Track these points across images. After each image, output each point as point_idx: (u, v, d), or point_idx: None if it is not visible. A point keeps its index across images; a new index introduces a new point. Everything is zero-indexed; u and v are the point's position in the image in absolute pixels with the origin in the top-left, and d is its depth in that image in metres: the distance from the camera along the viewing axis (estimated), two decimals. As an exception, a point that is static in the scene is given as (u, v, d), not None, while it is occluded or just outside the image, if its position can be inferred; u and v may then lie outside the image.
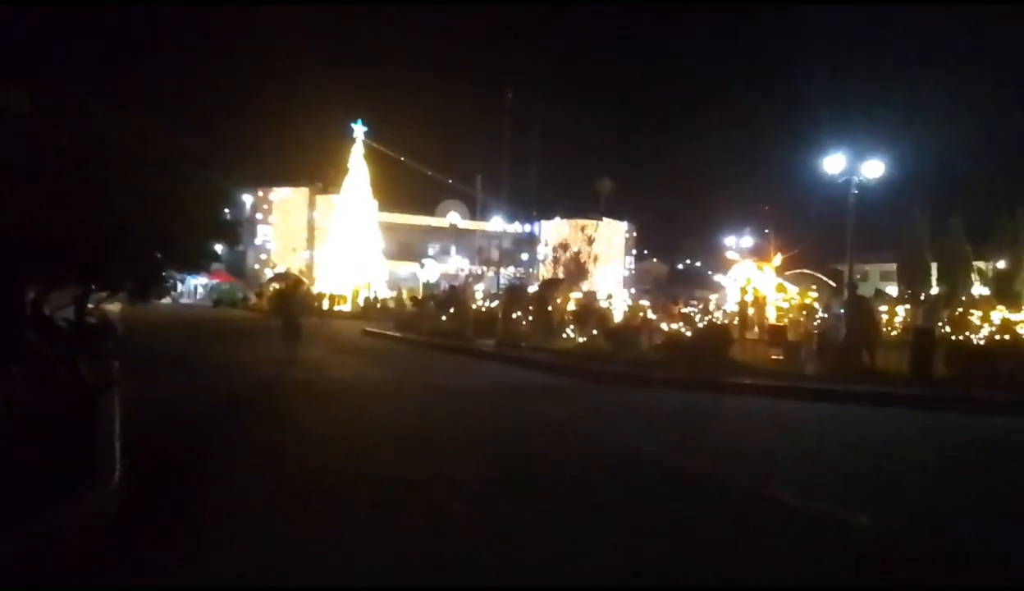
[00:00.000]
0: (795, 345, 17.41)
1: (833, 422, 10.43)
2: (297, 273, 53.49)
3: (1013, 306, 22.32)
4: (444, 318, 25.30)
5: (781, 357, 16.47)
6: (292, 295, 16.61)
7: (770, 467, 7.47)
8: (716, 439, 9.11)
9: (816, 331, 18.14)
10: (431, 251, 62.74)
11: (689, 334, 16.25)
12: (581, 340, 18.85)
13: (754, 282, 25.50)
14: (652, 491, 6.47)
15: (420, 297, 36.27)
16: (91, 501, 5.02)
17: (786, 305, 24.03)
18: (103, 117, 10.18)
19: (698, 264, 62.67)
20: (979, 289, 41.28)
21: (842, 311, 17.58)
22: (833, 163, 16.63)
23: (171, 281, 15.01)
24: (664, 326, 16.91)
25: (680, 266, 68.09)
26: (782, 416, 10.82)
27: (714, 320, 19.56)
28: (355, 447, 7.90)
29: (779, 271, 28.34)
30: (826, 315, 20.09)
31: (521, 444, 8.38)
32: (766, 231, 38.72)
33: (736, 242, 35.91)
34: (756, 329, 21.78)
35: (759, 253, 28.94)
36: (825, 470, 7.49)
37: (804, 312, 22.75)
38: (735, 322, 21.27)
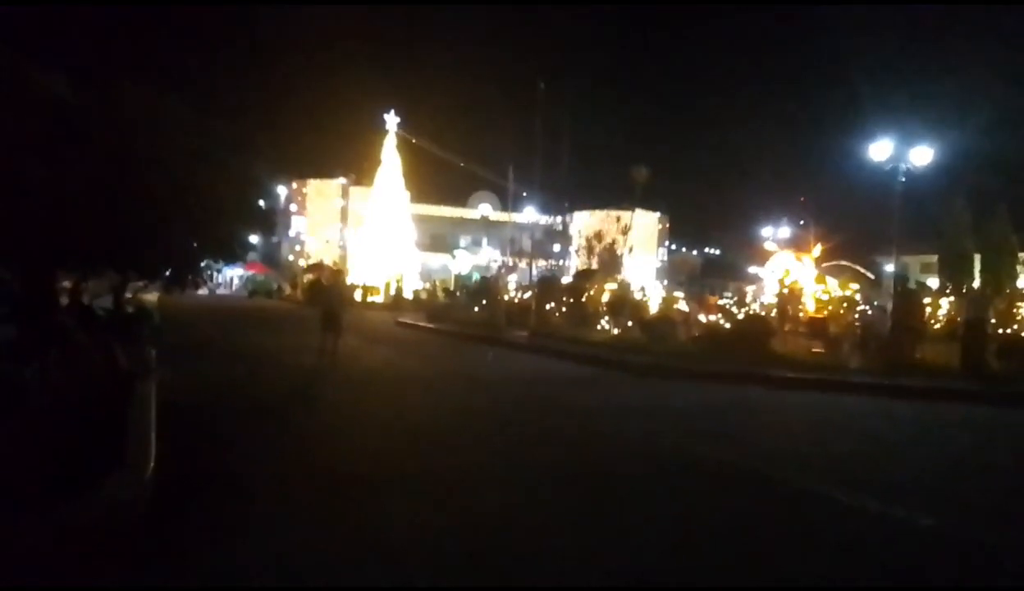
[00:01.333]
0: (837, 338, 16.94)
1: (884, 418, 10.04)
2: (331, 264, 53.87)
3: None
4: (476, 309, 25.17)
5: (822, 350, 16.03)
6: (332, 287, 15.46)
7: (822, 464, 7.15)
8: (761, 434, 8.80)
9: (859, 324, 17.64)
10: (463, 242, 62.66)
11: (728, 326, 15.88)
12: (616, 332, 18.56)
13: (792, 273, 24.89)
14: (697, 489, 6.22)
15: (452, 288, 36.22)
16: (124, 489, 4.92)
17: (826, 297, 23.41)
18: (139, 104, 10.19)
19: (729, 255, 61.68)
20: (1025, 281, 39.93)
21: (887, 304, 17.09)
22: (879, 150, 16.06)
23: (207, 271, 15.11)
24: (702, 318, 16.54)
25: (714, 256, 67.18)
26: (829, 411, 10.45)
27: (753, 312, 19.12)
28: (388, 439, 7.77)
29: (817, 262, 27.64)
30: (869, 308, 19.53)
31: (555, 438, 8.15)
32: (801, 222, 37.81)
33: (773, 232, 35.09)
34: (794, 322, 21.25)
35: (797, 244, 28.21)
36: (882, 468, 7.14)
37: (845, 304, 22.17)
38: (773, 314, 20.78)
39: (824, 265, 28.75)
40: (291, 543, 4.54)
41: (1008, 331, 16.52)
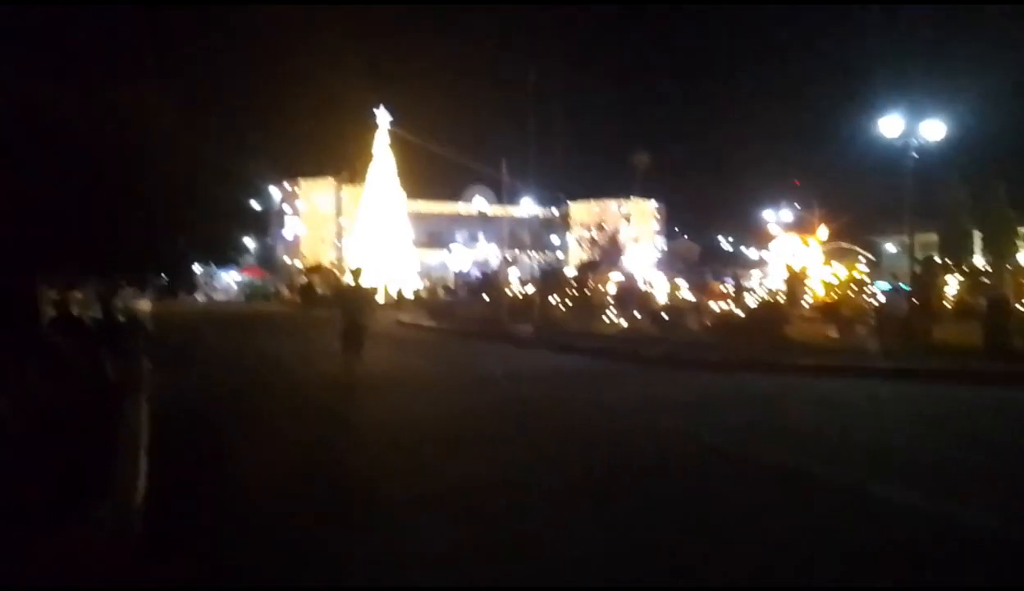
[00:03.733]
0: (850, 321, 16.51)
1: (916, 404, 9.55)
2: (331, 266, 53.19)
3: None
4: (478, 306, 24.68)
5: (836, 335, 15.59)
6: (353, 292, 11.92)
7: (868, 459, 6.63)
8: (790, 425, 8.29)
9: (874, 306, 17.21)
10: (459, 238, 62.14)
11: (740, 314, 15.41)
12: (623, 324, 18.09)
13: (799, 256, 24.48)
14: (734, 487, 5.72)
15: (451, 285, 35.70)
16: (110, 517, 4.42)
17: (834, 280, 22.97)
18: (124, 105, 9.65)
19: (730, 240, 61.03)
20: (1025, 256, 39.49)
21: (902, 285, 16.66)
22: (889, 125, 15.54)
23: (200, 275, 14.49)
24: (714, 306, 16.07)
25: (713, 243, 66.61)
26: (857, 399, 9.94)
27: (762, 298, 18.69)
28: (399, 446, 7.26)
29: (822, 244, 27.24)
30: (882, 290, 19.13)
31: (576, 436, 7.64)
32: (797, 205, 37.41)
33: (775, 216, 34.64)
34: (801, 306, 20.85)
35: (801, 226, 27.81)
36: (930, 461, 6.63)
37: (855, 286, 21.74)
38: (780, 298, 20.35)
39: (824, 247, 28.35)
40: (292, 580, 4.04)
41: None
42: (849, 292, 21.01)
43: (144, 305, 21.92)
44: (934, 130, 15.71)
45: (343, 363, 10.90)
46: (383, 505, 5.37)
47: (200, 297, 52.34)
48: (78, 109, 8.20)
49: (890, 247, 49.34)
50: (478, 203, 60.91)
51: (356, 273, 12.28)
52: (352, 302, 11.51)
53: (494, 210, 59.54)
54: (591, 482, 5.93)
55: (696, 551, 4.38)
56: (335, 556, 4.34)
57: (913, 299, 14.72)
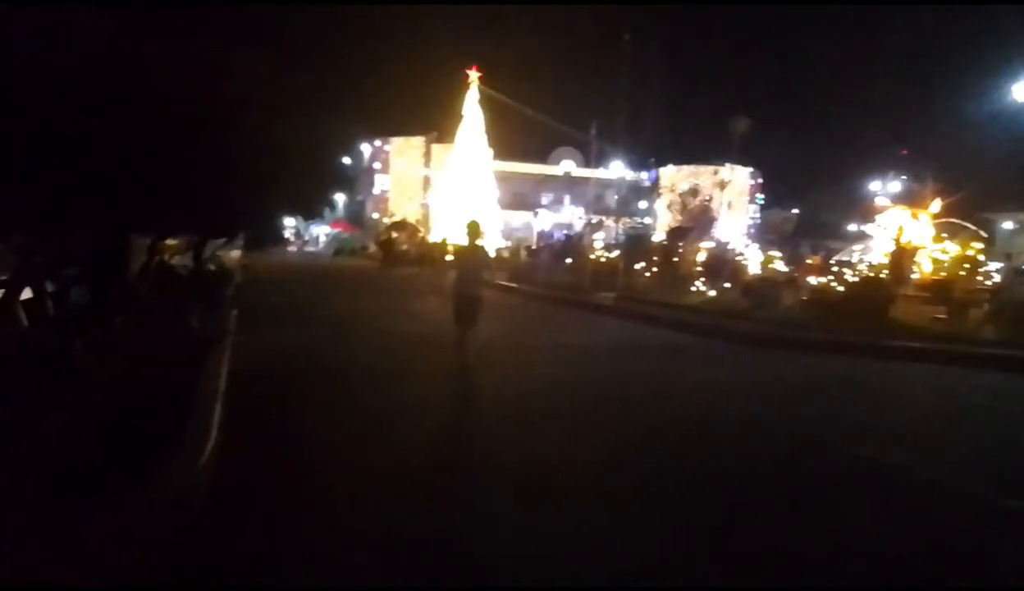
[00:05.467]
0: (962, 303, 15.31)
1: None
2: (414, 222, 53.78)
3: None
4: (560, 270, 24.26)
5: (944, 316, 14.48)
6: (469, 255, 9.55)
7: (971, 457, 6.02)
8: (905, 420, 7.59)
9: (988, 287, 15.89)
10: (545, 200, 61.50)
11: (840, 289, 14.47)
12: (711, 295, 17.36)
13: (907, 231, 22.83)
14: (845, 491, 5.22)
15: (534, 247, 35.31)
16: (177, 476, 4.37)
17: (944, 258, 21.36)
18: (212, 59, 9.63)
19: (830, 212, 58.02)
20: None
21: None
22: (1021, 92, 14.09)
23: (292, 228, 14.64)
24: (812, 280, 15.14)
25: (809, 214, 63.50)
26: (974, 391, 9.11)
27: (864, 274, 17.51)
28: (474, 421, 7.03)
29: (935, 219, 25.32)
30: (999, 270, 17.62)
31: (671, 428, 6.96)
32: (905, 177, 34.92)
33: (882, 187, 32.52)
34: (907, 284, 19.49)
35: (912, 199, 25.90)
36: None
37: (967, 265, 20.15)
38: (883, 275, 19.05)
39: (936, 222, 26.35)
40: (353, 562, 3.84)
41: None
42: (961, 271, 19.51)
43: (234, 255, 22.57)
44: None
45: (455, 340, 9.32)
46: (450, 484, 5.15)
47: (290, 248, 54.08)
48: (168, 66, 8.19)
49: (1007, 225, 45.72)
50: (565, 165, 59.98)
51: (473, 229, 9.55)
52: (467, 268, 9.48)
53: (581, 173, 58.58)
54: (671, 474, 5.56)
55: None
56: (401, 539, 4.16)
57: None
